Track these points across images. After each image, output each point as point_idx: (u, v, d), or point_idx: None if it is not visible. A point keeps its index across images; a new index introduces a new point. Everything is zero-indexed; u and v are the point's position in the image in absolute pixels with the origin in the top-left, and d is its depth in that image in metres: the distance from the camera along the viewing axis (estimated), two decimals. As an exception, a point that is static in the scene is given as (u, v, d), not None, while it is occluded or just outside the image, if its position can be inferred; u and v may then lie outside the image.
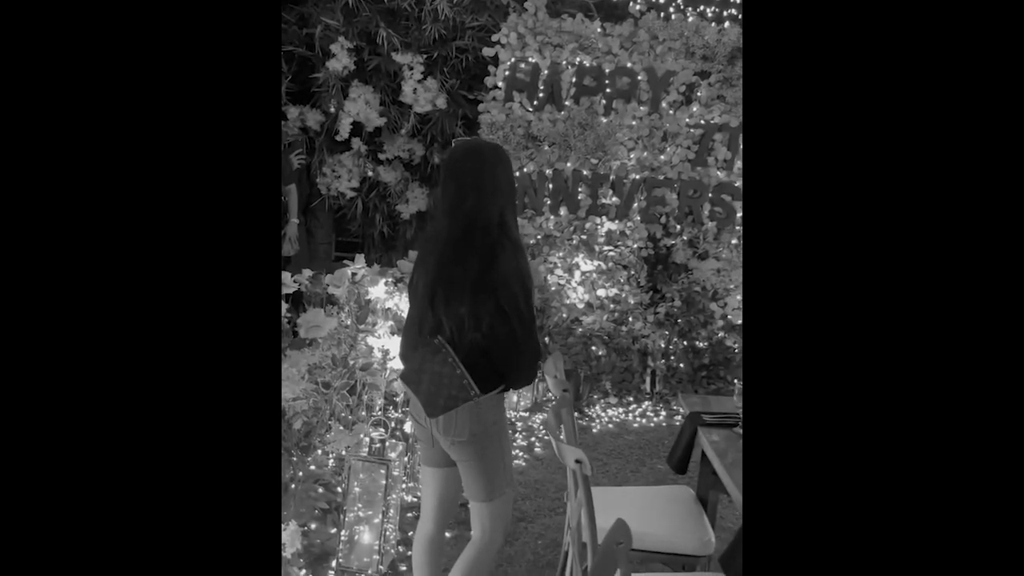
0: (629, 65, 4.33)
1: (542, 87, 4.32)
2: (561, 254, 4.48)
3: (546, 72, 4.31)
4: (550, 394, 4.30)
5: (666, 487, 2.22)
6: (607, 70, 4.32)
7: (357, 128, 4.78)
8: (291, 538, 1.88)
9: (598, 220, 4.47)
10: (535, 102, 4.33)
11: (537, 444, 3.70)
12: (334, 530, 2.30)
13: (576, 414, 3.57)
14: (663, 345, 4.45)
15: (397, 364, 2.69)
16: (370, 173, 4.93)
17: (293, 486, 2.16)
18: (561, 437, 1.71)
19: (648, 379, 4.50)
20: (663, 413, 4.29)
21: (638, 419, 4.20)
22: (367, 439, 2.36)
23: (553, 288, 4.46)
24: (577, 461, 1.40)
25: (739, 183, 4.35)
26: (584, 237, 4.48)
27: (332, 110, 4.76)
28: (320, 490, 2.31)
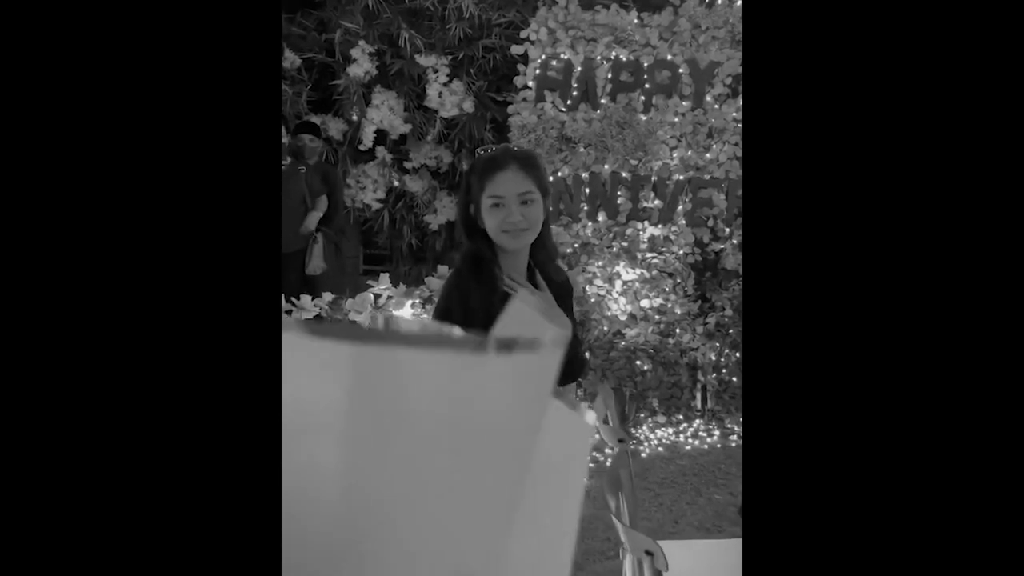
0: (669, 57, 4.11)
1: (575, 85, 4.12)
2: (600, 263, 4.25)
3: (579, 69, 4.11)
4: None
5: (738, 541, 1.91)
6: (646, 64, 4.11)
7: (381, 136, 4.68)
8: None
9: (640, 225, 4.24)
10: (568, 101, 4.14)
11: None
12: None
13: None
14: (714, 358, 4.20)
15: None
16: (396, 183, 4.83)
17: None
18: (622, 506, 1.42)
19: (699, 395, 4.25)
20: (716, 433, 4.02)
21: (690, 440, 3.94)
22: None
23: (593, 300, 4.24)
24: (648, 553, 1.11)
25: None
26: (625, 244, 4.26)
27: (355, 118, 4.67)
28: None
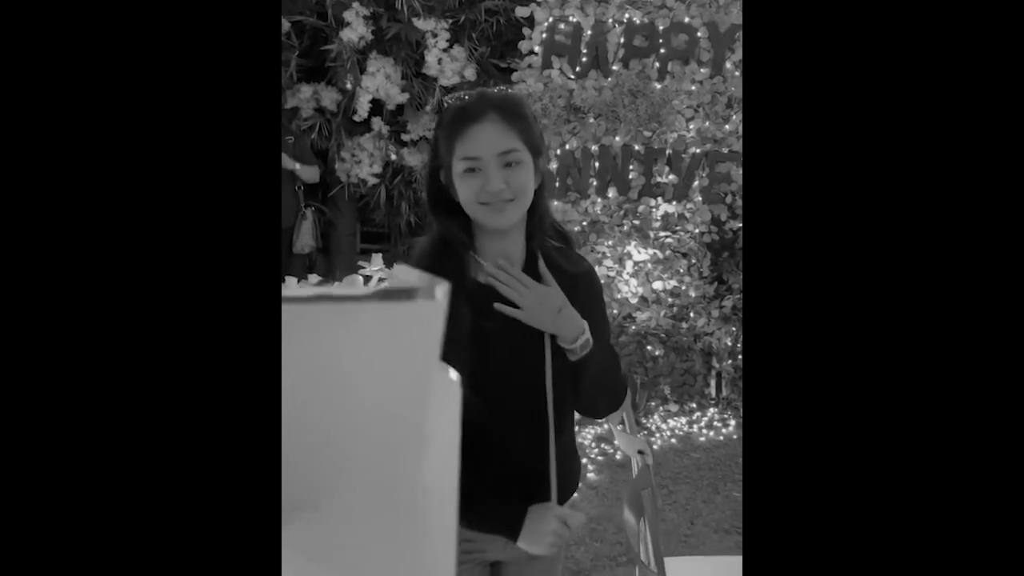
0: (687, 20, 3.98)
1: (585, 50, 4.01)
2: (611, 242, 4.16)
3: (589, 33, 3.99)
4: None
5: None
6: (661, 27, 3.98)
7: (377, 106, 4.58)
8: None
9: (653, 202, 4.13)
10: (577, 68, 4.02)
11: (590, 467, 3.23)
12: None
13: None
14: (729, 343, 4.10)
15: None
16: (393, 157, 4.73)
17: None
18: (646, 535, 1.20)
19: (713, 383, 4.16)
20: (732, 423, 3.87)
21: (704, 431, 3.80)
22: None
23: (602, 281, 4.07)
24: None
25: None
26: (637, 222, 4.15)
27: (349, 87, 4.57)
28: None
